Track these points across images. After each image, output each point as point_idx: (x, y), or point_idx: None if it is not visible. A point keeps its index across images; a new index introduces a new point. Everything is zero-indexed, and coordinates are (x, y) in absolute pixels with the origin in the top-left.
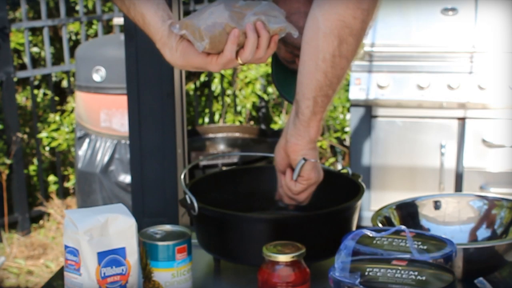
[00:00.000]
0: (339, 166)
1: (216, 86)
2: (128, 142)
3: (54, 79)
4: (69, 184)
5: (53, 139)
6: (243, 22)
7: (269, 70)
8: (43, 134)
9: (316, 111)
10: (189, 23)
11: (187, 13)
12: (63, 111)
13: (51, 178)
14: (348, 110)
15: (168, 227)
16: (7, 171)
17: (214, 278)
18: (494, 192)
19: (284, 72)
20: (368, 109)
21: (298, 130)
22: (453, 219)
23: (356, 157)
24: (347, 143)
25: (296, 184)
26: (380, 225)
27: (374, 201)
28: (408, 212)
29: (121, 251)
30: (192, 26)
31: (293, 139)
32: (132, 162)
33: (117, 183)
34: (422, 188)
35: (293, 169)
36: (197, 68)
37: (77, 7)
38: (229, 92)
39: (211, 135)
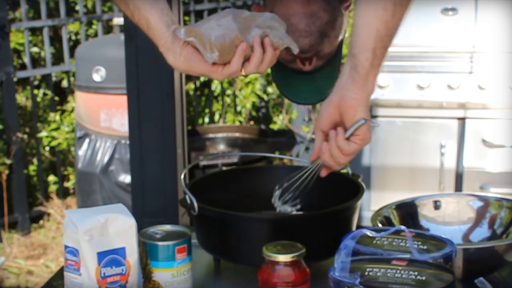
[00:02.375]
0: None
1: (216, 86)
2: (128, 142)
3: (54, 79)
4: (69, 184)
5: (53, 138)
6: (249, 35)
7: (269, 70)
8: (43, 134)
9: (375, 64)
10: (197, 32)
11: (187, 13)
12: (63, 111)
13: (51, 178)
14: None
15: (168, 227)
16: (7, 171)
17: (214, 278)
18: (494, 192)
19: (283, 70)
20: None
21: (357, 84)
22: (453, 219)
23: (356, 157)
24: None
25: (350, 143)
26: (380, 225)
27: (374, 201)
28: (407, 212)
29: (121, 251)
30: (201, 35)
31: (351, 93)
32: (132, 162)
33: (117, 183)
34: (422, 188)
35: (345, 128)
36: (200, 74)
37: (77, 7)
38: (229, 92)
39: (211, 135)
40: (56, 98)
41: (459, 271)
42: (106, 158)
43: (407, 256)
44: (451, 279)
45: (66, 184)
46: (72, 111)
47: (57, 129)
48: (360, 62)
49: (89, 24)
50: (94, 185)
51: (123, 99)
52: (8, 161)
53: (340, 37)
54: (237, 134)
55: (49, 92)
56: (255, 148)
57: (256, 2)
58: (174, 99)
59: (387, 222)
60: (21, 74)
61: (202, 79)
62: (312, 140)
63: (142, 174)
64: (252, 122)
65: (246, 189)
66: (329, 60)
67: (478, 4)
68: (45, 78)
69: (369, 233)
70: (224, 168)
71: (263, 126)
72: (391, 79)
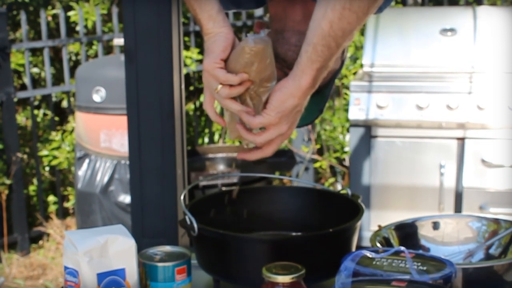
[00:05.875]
0: (338, 186)
1: (216, 106)
2: (128, 162)
3: (54, 99)
4: (68, 204)
5: (54, 157)
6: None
7: None
8: (44, 152)
9: (314, 60)
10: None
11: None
12: (63, 131)
13: (51, 198)
14: (348, 130)
15: (167, 248)
16: (6, 191)
17: None
18: (494, 211)
19: None
20: (368, 129)
21: (293, 71)
22: (452, 240)
23: (355, 177)
24: (346, 163)
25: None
26: (379, 245)
27: (374, 221)
28: (407, 232)
29: (120, 272)
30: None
31: (287, 77)
32: (132, 183)
33: (116, 204)
34: (422, 208)
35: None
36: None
37: (78, 28)
38: None
39: (210, 155)
40: (56, 118)
41: None
42: (106, 178)
43: (407, 277)
44: None
45: (65, 204)
46: (72, 131)
47: (57, 148)
48: (300, 53)
49: (90, 44)
50: (93, 205)
51: (123, 120)
52: (8, 181)
53: (333, 65)
54: (236, 154)
55: (49, 112)
56: (255, 168)
57: (258, 19)
58: (174, 119)
59: (386, 242)
60: (22, 94)
61: (202, 99)
62: (312, 160)
63: (142, 195)
64: None
65: (245, 209)
66: (320, 88)
67: (477, 25)
68: (45, 98)
69: (368, 254)
70: (224, 189)
71: None
72: (390, 99)
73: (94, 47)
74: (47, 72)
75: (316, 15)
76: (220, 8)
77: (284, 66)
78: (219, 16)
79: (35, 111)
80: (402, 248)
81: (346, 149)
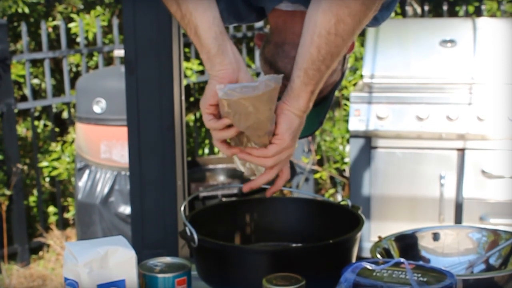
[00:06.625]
0: (339, 197)
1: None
2: (128, 173)
3: (54, 110)
4: (68, 215)
5: (54, 168)
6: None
7: None
8: (44, 164)
9: (307, 83)
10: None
11: None
12: (63, 142)
13: (51, 209)
14: (348, 141)
15: (167, 259)
16: (7, 202)
17: None
18: (494, 222)
19: None
20: (368, 140)
21: (288, 95)
22: (452, 251)
23: (356, 187)
24: (347, 174)
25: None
26: (379, 256)
27: (374, 232)
28: (407, 243)
29: (121, 283)
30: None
31: (283, 99)
32: (132, 194)
33: (117, 215)
34: (422, 218)
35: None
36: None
37: (78, 39)
38: None
39: (211, 166)
40: (57, 129)
41: None
42: (106, 189)
43: None
44: None
45: (66, 215)
46: (72, 142)
47: (57, 159)
48: (293, 78)
49: (90, 55)
50: (94, 216)
51: (123, 131)
52: (8, 192)
53: (334, 77)
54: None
55: (49, 124)
56: None
57: (258, 30)
58: (174, 131)
59: (386, 253)
60: (22, 105)
61: None
62: (312, 171)
63: (142, 206)
64: None
65: (246, 220)
66: (320, 100)
67: (477, 36)
68: (46, 109)
69: (369, 265)
70: (224, 200)
71: None
72: (391, 110)
73: (94, 58)
74: (48, 83)
75: (304, 40)
76: (220, 48)
77: (284, 79)
78: (216, 59)
79: (36, 122)
80: (402, 259)
81: (346, 160)
